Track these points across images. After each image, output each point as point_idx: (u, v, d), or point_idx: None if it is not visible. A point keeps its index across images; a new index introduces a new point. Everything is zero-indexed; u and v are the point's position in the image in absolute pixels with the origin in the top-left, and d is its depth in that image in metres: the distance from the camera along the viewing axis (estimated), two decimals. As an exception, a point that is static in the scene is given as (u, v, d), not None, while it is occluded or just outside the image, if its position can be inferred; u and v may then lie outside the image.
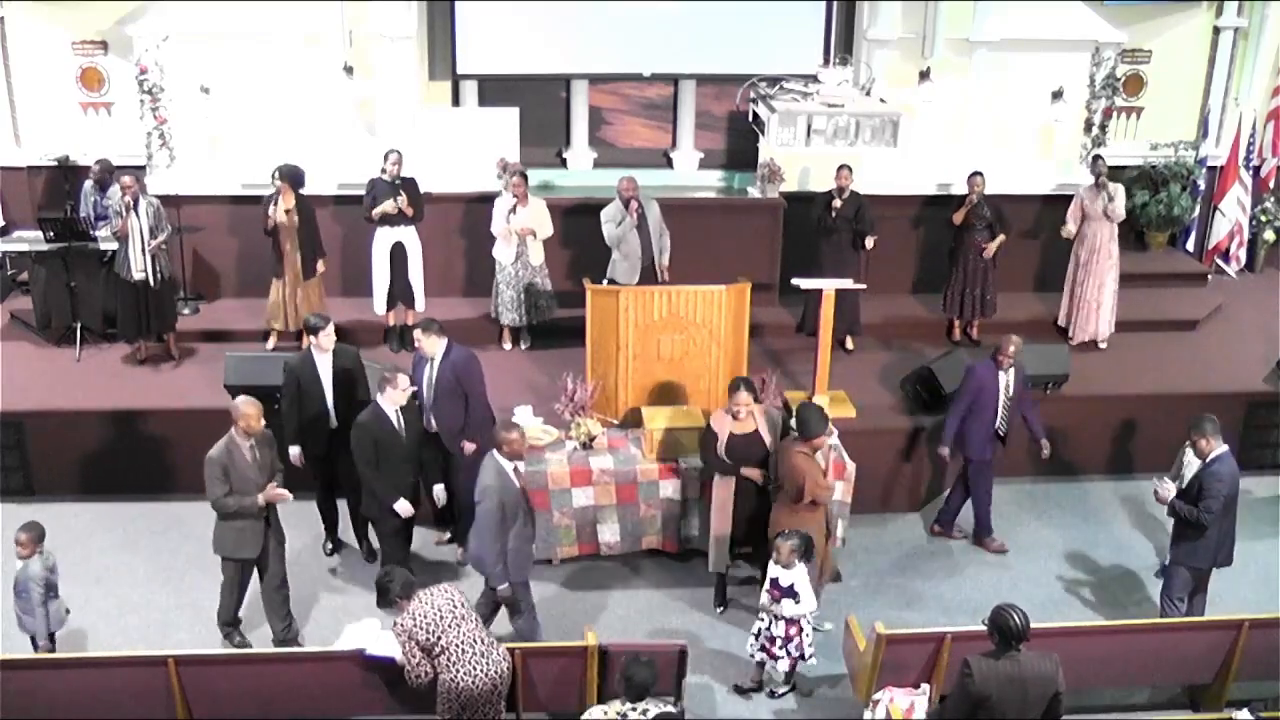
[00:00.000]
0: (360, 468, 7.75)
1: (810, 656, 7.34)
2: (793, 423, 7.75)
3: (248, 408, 7.25)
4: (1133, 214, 12.26)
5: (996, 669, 5.76)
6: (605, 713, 5.85)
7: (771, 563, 7.26)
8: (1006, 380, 8.70)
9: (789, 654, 7.27)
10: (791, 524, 7.44)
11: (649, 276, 10.10)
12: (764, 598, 7.28)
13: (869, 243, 10.28)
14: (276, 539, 7.63)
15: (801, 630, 7.26)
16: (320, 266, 10.11)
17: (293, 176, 9.78)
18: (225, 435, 7.30)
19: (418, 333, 8.40)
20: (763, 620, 7.35)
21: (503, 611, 7.50)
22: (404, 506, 7.76)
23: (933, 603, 8.45)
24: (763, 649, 7.36)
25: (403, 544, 8.00)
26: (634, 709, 5.85)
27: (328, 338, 8.23)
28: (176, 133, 10.72)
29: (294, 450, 8.29)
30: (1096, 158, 10.81)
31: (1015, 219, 10.73)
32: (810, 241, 10.46)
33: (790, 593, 7.14)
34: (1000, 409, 8.71)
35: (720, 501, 7.91)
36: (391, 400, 7.65)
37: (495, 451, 7.18)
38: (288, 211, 9.73)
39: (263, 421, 7.33)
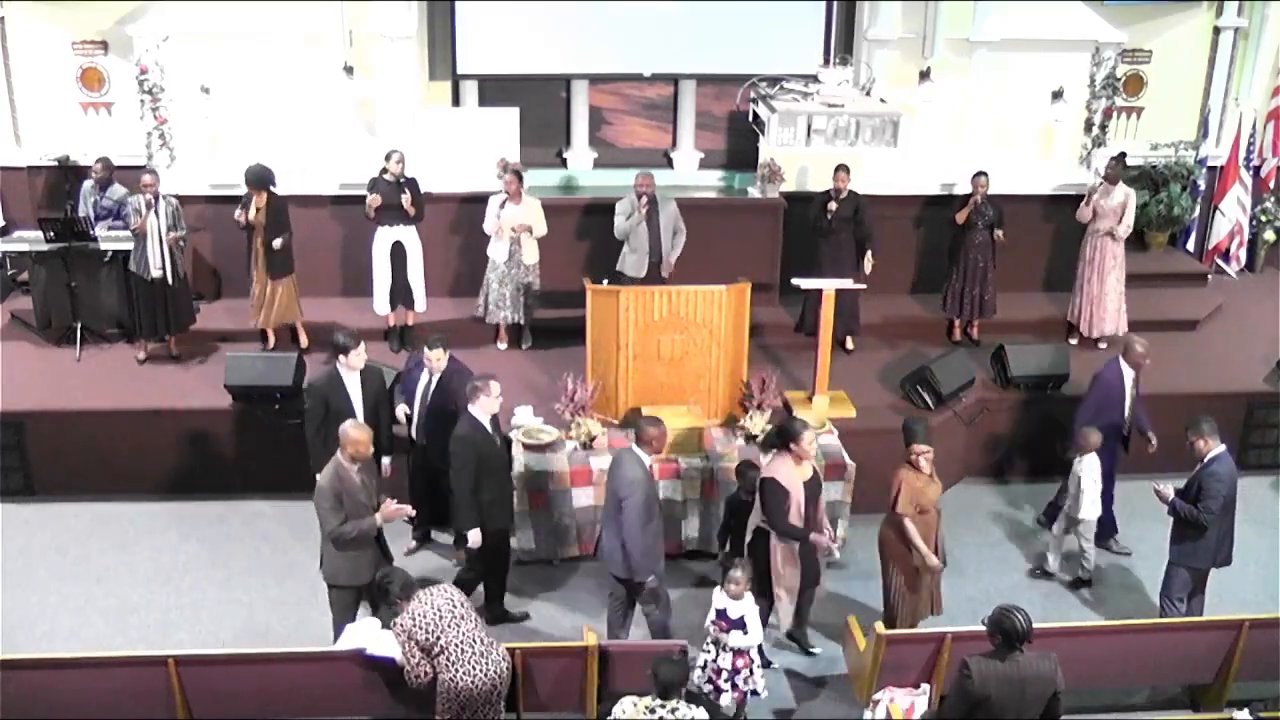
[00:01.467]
0: (459, 487, 7.48)
1: (762, 690, 7.08)
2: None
3: (358, 433, 6.95)
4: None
5: (996, 669, 5.76)
6: (635, 705, 5.82)
7: (719, 593, 6.97)
8: (1132, 380, 8.73)
9: (736, 686, 6.98)
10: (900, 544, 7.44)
11: (655, 272, 10.17)
12: (710, 629, 7.01)
13: (867, 265, 10.31)
14: (386, 558, 7.31)
15: (751, 662, 7.01)
16: (276, 243, 9.83)
17: (258, 179, 9.72)
18: (330, 464, 6.97)
19: (435, 351, 8.09)
20: (708, 651, 7.06)
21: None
22: (475, 537, 7.59)
23: (932, 603, 8.45)
24: (709, 681, 7.05)
25: (501, 558, 7.90)
26: (663, 706, 5.79)
27: (358, 357, 7.95)
28: (176, 133, 10.73)
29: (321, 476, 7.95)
30: (1120, 156, 10.80)
31: (1016, 219, 10.73)
32: (810, 241, 10.47)
33: (739, 624, 6.90)
34: (1126, 410, 8.73)
35: (790, 559, 7.34)
36: (485, 409, 7.49)
37: (635, 445, 7.18)
38: (259, 210, 9.74)
39: (372, 447, 7.08)
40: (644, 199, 10.03)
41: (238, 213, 9.73)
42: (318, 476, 7.01)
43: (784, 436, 7.26)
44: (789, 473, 7.18)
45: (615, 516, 7.20)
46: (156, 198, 9.63)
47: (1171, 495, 7.54)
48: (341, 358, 7.94)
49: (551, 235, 10.35)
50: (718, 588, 7.04)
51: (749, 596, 6.98)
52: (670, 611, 7.58)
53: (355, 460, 6.94)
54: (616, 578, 7.37)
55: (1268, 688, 7.34)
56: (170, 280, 9.83)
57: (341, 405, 7.89)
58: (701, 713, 5.86)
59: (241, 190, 9.86)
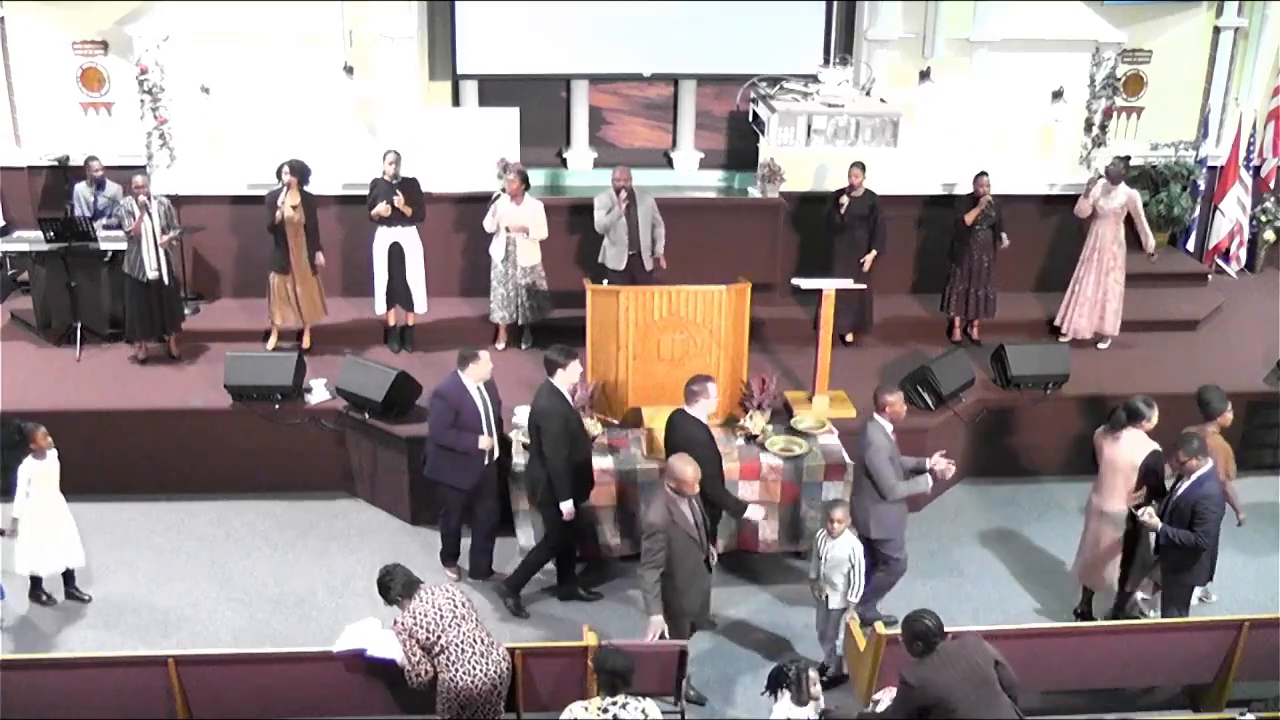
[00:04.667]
0: (717, 491, 7.51)
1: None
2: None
3: (687, 470, 6.76)
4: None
5: (930, 666, 5.78)
6: (586, 709, 5.77)
7: (789, 707, 6.29)
8: None
9: None
10: None
11: (636, 263, 10.27)
12: None
13: (866, 260, 10.37)
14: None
15: None
16: (320, 260, 10.12)
17: (301, 171, 9.82)
18: (660, 502, 6.82)
19: (483, 360, 7.99)
20: None
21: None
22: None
23: (932, 603, 8.39)
24: None
25: None
26: (614, 703, 5.74)
27: (576, 370, 7.83)
28: (176, 133, 10.72)
29: (567, 506, 7.79)
30: (1125, 158, 10.84)
31: (1015, 219, 10.73)
32: (819, 240, 10.52)
33: None
34: None
35: None
36: (704, 410, 7.61)
37: (878, 416, 7.62)
38: (294, 207, 9.75)
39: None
40: (622, 193, 10.11)
41: (279, 203, 9.69)
42: (644, 511, 6.95)
43: (1134, 415, 7.82)
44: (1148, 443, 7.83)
45: (863, 482, 7.72)
46: (150, 199, 9.64)
47: (1159, 524, 7.33)
48: (560, 372, 7.77)
49: (551, 235, 10.35)
50: (782, 703, 6.26)
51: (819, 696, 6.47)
52: (898, 576, 7.94)
53: (681, 495, 6.83)
54: (865, 539, 7.71)
55: (1268, 688, 7.33)
56: (166, 281, 9.84)
57: (576, 426, 7.84)
58: (653, 707, 5.82)
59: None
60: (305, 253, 9.94)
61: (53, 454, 7.94)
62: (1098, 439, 8.05)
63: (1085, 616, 8.19)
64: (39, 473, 7.86)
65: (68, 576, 8.26)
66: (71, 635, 7.94)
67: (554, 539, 8.10)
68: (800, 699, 6.15)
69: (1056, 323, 10.92)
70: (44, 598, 8.19)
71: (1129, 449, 7.78)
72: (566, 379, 7.84)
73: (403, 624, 6.34)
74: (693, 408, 7.61)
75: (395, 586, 6.41)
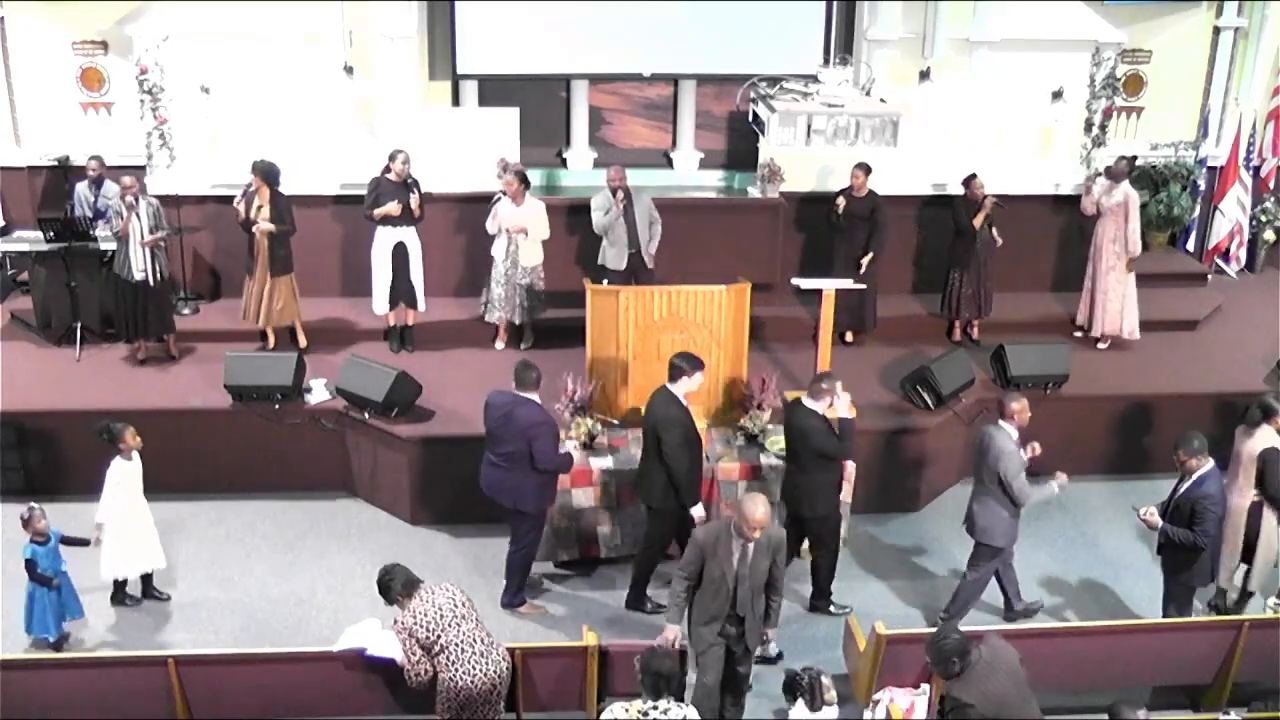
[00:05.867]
0: (832, 446, 7.75)
1: None
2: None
3: (758, 510, 6.39)
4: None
5: (978, 679, 5.76)
6: (626, 710, 5.73)
7: (803, 710, 6.40)
8: None
9: None
10: None
11: (636, 262, 10.27)
12: None
13: (863, 261, 10.36)
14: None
15: None
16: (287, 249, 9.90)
17: (266, 172, 9.74)
18: (721, 524, 6.66)
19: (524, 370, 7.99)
20: None
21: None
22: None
23: (931, 601, 8.45)
24: None
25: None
26: (655, 707, 5.69)
27: (694, 381, 7.75)
28: (176, 133, 10.72)
29: (698, 511, 7.76)
30: (1131, 158, 10.93)
31: (1016, 219, 10.74)
32: (819, 240, 10.54)
33: None
34: None
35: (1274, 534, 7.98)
36: (823, 407, 7.72)
37: (1004, 422, 7.63)
38: (260, 208, 9.73)
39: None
40: (619, 193, 10.12)
41: (237, 200, 9.71)
42: (697, 533, 6.74)
43: (1268, 412, 7.84)
44: None
45: (991, 490, 7.66)
46: (137, 199, 9.62)
47: (1159, 523, 7.34)
48: (683, 379, 7.71)
49: (551, 235, 10.34)
50: (798, 708, 6.42)
51: (834, 702, 6.55)
52: (982, 590, 8.01)
53: (744, 537, 6.51)
54: (991, 546, 7.80)
55: (1268, 688, 7.34)
56: (151, 282, 9.81)
57: (692, 432, 7.79)
58: (692, 711, 5.83)
59: (233, 190, 9.86)
60: (270, 254, 9.86)
61: (137, 455, 7.98)
62: (1237, 435, 8.10)
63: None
64: (127, 474, 7.92)
65: (146, 578, 8.29)
66: (72, 635, 7.93)
67: (655, 542, 8.12)
68: (814, 705, 6.33)
69: (1078, 321, 10.90)
70: (127, 600, 8.24)
71: (1262, 445, 7.79)
72: (685, 387, 7.76)
73: (403, 623, 6.34)
74: (815, 403, 7.71)
75: (395, 586, 6.41)
